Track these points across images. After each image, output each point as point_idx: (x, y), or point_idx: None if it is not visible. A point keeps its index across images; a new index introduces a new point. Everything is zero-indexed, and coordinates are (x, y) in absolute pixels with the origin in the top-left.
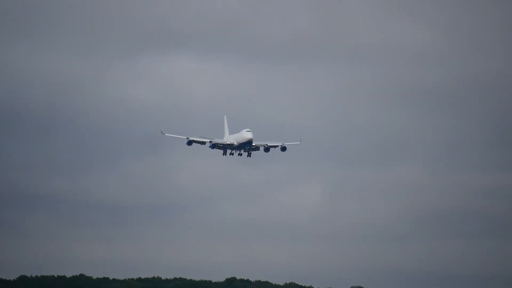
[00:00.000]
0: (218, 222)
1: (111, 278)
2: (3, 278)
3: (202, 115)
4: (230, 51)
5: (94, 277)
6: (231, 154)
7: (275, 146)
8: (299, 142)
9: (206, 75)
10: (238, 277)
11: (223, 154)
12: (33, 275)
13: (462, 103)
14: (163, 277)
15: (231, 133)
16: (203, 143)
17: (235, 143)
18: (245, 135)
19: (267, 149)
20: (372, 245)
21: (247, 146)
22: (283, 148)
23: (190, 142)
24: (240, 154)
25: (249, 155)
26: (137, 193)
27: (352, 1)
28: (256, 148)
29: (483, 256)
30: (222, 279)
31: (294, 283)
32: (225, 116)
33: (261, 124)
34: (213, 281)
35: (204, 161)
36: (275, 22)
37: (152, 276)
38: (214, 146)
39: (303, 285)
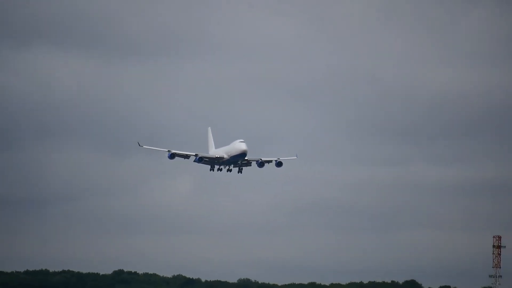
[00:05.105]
0: (102, 215)
1: None
2: None
3: (67, 110)
4: (97, 47)
5: None
6: (219, 169)
7: (269, 161)
8: (295, 157)
9: (70, 70)
10: (125, 270)
11: (210, 170)
12: None
13: (328, 98)
14: (51, 270)
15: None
16: (187, 156)
17: (225, 156)
18: (239, 146)
19: (261, 164)
20: (252, 238)
21: (239, 160)
22: (279, 164)
23: (172, 156)
24: (229, 170)
25: (240, 171)
26: (19, 186)
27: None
28: (248, 163)
29: (353, 248)
30: (109, 272)
31: (182, 275)
32: (209, 128)
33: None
34: (101, 274)
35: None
36: (141, 19)
37: (40, 268)
38: (200, 160)
39: (191, 277)
